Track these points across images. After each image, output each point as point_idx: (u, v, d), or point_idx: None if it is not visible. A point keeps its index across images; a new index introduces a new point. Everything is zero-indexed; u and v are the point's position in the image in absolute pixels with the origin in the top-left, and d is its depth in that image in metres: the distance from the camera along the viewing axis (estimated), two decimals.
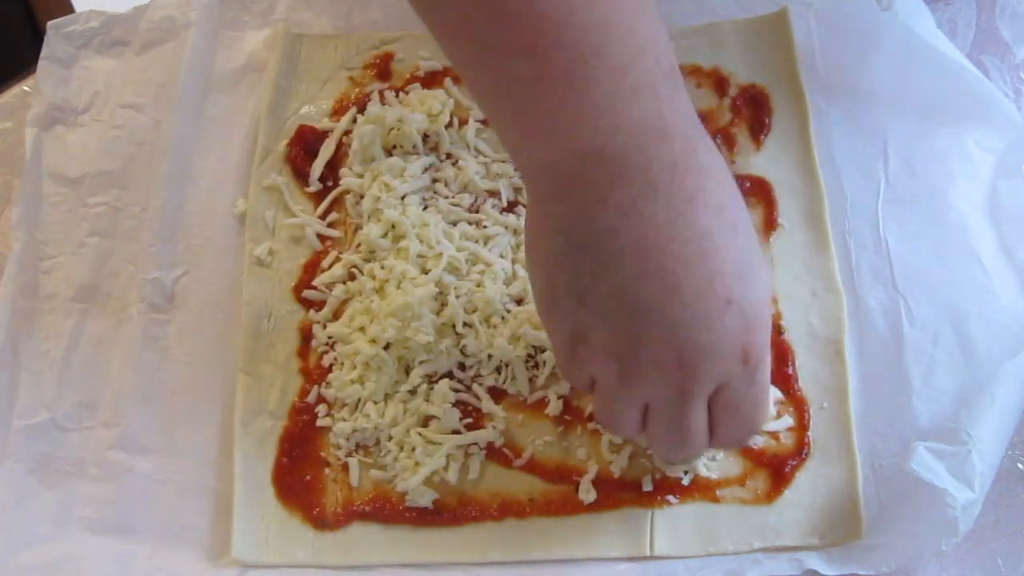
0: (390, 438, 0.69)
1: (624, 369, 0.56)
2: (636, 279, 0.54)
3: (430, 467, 0.67)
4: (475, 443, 0.69)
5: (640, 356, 0.55)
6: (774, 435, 0.68)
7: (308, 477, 0.69)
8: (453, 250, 0.73)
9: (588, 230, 0.54)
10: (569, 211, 0.55)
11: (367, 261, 0.74)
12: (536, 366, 0.71)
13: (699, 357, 0.54)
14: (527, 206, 0.59)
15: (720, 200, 0.55)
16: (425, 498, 0.67)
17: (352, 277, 0.74)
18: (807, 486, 0.67)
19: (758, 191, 0.76)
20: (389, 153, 0.78)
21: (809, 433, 0.68)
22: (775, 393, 0.69)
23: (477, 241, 0.74)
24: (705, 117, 0.80)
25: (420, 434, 0.68)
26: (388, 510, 0.67)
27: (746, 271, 0.55)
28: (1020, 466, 0.68)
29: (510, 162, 0.78)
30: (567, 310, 0.56)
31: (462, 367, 0.71)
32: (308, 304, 0.74)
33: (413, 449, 0.68)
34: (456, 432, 0.69)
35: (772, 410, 0.67)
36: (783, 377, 0.70)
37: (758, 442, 0.68)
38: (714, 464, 0.67)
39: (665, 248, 0.53)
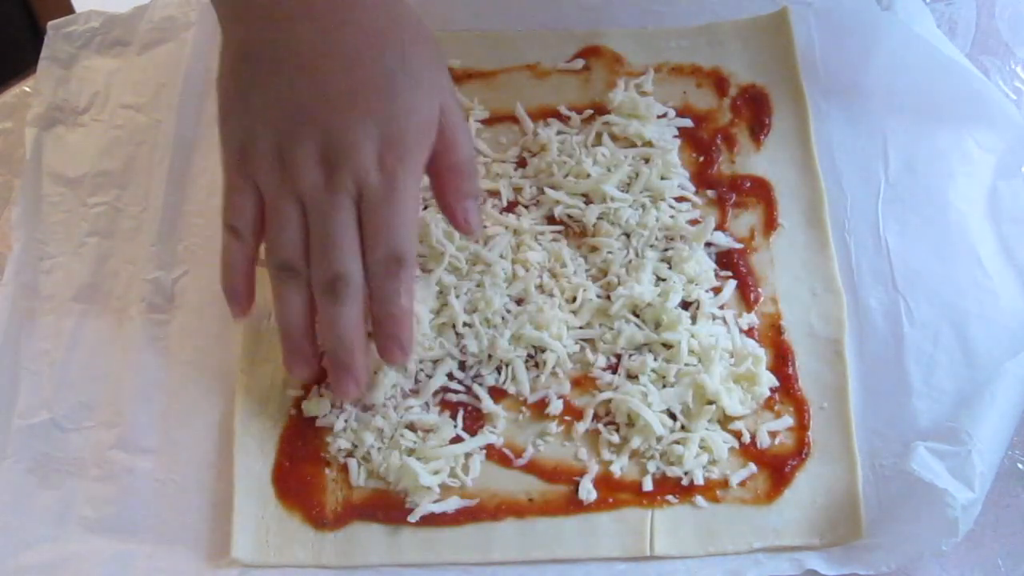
0: (391, 438, 0.69)
1: (284, 169, 0.63)
2: (292, 86, 0.63)
3: (431, 468, 0.67)
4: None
5: (296, 152, 0.63)
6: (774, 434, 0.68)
7: (308, 477, 0.69)
8: (453, 250, 0.73)
9: (253, 44, 0.65)
10: (240, 30, 0.66)
11: None
12: (536, 366, 0.71)
13: (341, 155, 0.63)
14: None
15: (372, 27, 0.64)
16: (425, 498, 0.67)
17: None
18: (807, 486, 0.67)
19: (758, 191, 0.76)
20: None
21: (809, 433, 0.68)
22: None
23: (477, 241, 0.74)
24: (705, 117, 0.80)
25: (421, 437, 0.68)
26: (388, 510, 0.67)
27: (388, 89, 0.63)
28: (1020, 466, 0.68)
29: (510, 162, 0.78)
30: (237, 118, 0.65)
31: (462, 367, 0.71)
32: None
33: (412, 450, 0.68)
34: (457, 440, 0.68)
35: (412, 237, 0.66)
36: (783, 377, 0.70)
37: (760, 443, 0.68)
38: (714, 465, 0.67)
39: (318, 62, 0.63)
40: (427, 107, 0.65)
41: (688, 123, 0.79)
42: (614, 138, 0.78)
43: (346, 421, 0.69)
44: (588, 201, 0.76)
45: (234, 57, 0.66)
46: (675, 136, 0.79)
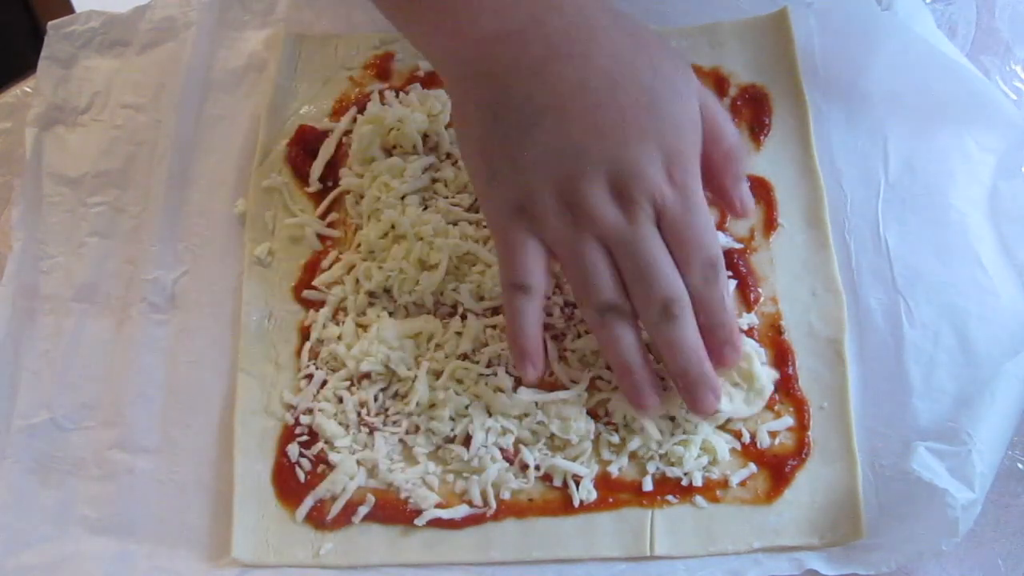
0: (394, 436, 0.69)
1: (575, 213, 0.62)
2: (560, 130, 0.62)
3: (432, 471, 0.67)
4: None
5: (584, 193, 0.62)
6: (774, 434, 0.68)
7: (308, 477, 0.69)
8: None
9: (507, 100, 0.63)
10: (486, 89, 0.64)
11: (366, 261, 0.74)
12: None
13: (629, 179, 0.62)
14: (450, 99, 0.64)
15: (614, 50, 0.63)
16: (426, 499, 0.67)
17: None
18: (807, 486, 0.67)
19: (758, 191, 0.76)
20: (389, 153, 0.78)
21: (809, 433, 0.68)
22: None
23: (477, 241, 0.74)
24: None
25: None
26: (388, 510, 0.67)
27: (654, 105, 0.62)
28: (1020, 466, 0.68)
29: None
30: (507, 179, 0.63)
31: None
32: (308, 304, 0.74)
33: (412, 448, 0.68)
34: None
35: (719, 240, 0.66)
36: (783, 377, 0.70)
37: (760, 443, 0.68)
38: (714, 465, 0.67)
39: (578, 100, 0.62)
40: (691, 110, 0.64)
41: None
42: None
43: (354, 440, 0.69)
44: None
45: (483, 117, 0.64)
46: None
